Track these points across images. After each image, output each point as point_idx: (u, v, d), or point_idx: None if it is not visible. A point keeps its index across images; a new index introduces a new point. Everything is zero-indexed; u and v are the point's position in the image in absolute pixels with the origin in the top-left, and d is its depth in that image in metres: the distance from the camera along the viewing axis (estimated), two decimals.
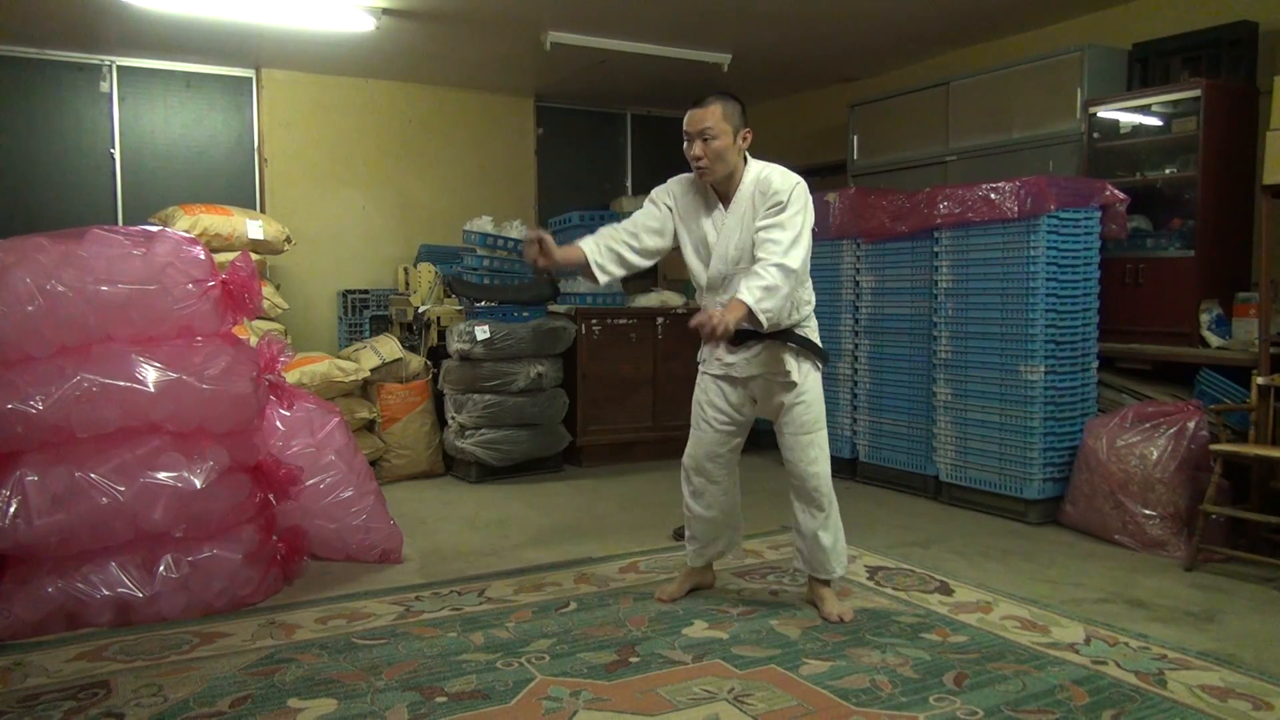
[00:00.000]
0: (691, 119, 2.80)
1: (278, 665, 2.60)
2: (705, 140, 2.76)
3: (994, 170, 4.90)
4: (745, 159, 2.87)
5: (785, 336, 2.87)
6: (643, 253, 2.94)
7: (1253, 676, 2.49)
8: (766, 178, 2.80)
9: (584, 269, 2.90)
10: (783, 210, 2.74)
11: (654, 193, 3.00)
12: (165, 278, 2.98)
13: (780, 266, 2.66)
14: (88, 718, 2.30)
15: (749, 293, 2.62)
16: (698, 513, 3.10)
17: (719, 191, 2.89)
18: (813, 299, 2.94)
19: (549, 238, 2.79)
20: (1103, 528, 3.84)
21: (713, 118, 2.76)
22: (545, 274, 2.91)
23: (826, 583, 3.03)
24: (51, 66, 5.70)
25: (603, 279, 2.91)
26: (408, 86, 6.56)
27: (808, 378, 2.91)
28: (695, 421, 3.06)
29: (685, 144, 2.82)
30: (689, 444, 3.08)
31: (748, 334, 2.83)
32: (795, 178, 2.81)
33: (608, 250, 2.90)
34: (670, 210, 2.96)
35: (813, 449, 2.93)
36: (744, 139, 2.82)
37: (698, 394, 3.06)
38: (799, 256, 2.71)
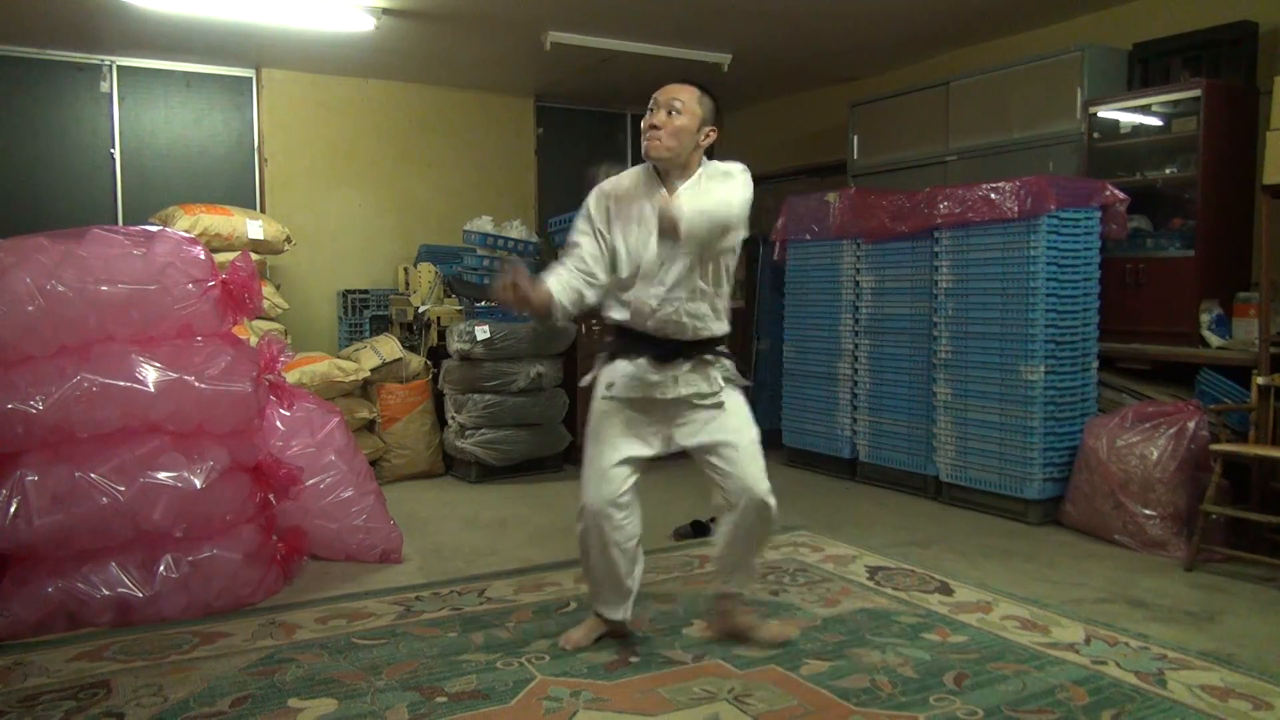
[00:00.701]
0: (665, 89, 2.60)
1: (278, 665, 2.60)
2: (670, 112, 2.56)
3: (994, 170, 4.90)
4: (702, 160, 2.65)
5: (710, 351, 2.66)
6: (599, 288, 2.66)
7: (1253, 676, 2.49)
8: (715, 164, 2.64)
9: (546, 308, 2.60)
10: (730, 179, 2.57)
11: (583, 210, 2.69)
12: (165, 278, 2.98)
13: (714, 201, 2.49)
14: (88, 718, 2.30)
15: (687, 204, 2.45)
16: (616, 554, 2.66)
17: (662, 177, 2.64)
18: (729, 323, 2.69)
19: (522, 271, 2.54)
20: (1103, 528, 3.84)
21: (687, 94, 2.58)
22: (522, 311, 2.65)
23: (732, 609, 2.78)
24: (51, 66, 5.70)
25: (562, 322, 2.66)
26: (408, 86, 6.56)
27: (733, 395, 2.67)
28: (598, 456, 2.64)
29: (648, 113, 2.60)
30: (590, 487, 2.63)
31: (673, 352, 2.61)
32: (742, 165, 2.62)
33: (570, 289, 2.62)
34: (606, 214, 2.66)
35: (756, 464, 2.64)
36: (707, 135, 2.61)
37: (601, 426, 2.66)
38: (723, 212, 2.48)
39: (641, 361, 2.63)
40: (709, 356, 2.65)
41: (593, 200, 2.68)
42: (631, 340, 2.67)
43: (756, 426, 2.70)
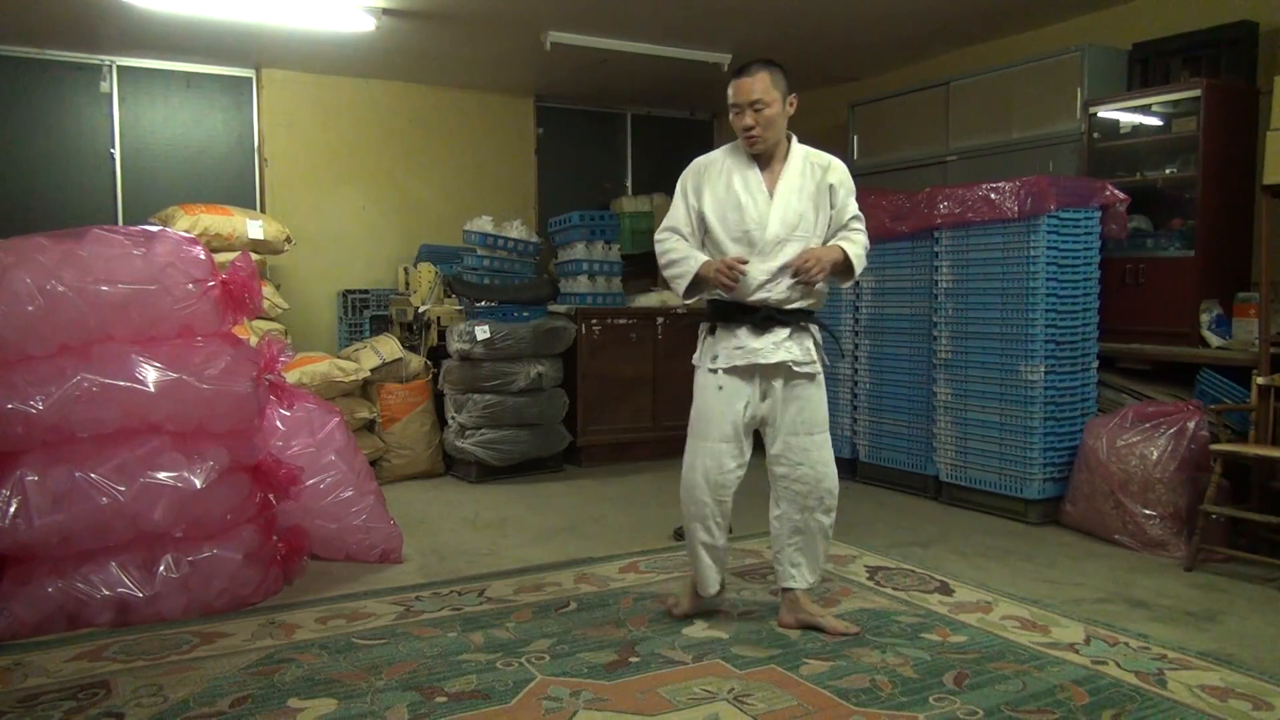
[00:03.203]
0: (740, 90, 2.72)
1: (278, 665, 2.60)
2: (756, 110, 2.71)
3: (994, 170, 4.90)
4: (790, 134, 2.85)
5: (811, 320, 2.81)
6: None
7: (1253, 676, 2.49)
8: (819, 153, 2.86)
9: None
10: (851, 196, 2.85)
11: (684, 188, 2.87)
12: (165, 278, 2.98)
13: (864, 236, 2.83)
14: (88, 718, 2.30)
15: (851, 244, 2.76)
16: (712, 541, 2.86)
17: (758, 159, 2.81)
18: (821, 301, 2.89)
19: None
20: (1103, 528, 3.84)
21: (761, 86, 2.71)
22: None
23: (799, 600, 2.87)
24: (51, 66, 5.70)
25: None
26: (408, 86, 6.56)
27: (821, 372, 2.83)
28: (705, 433, 2.80)
29: (733, 114, 2.75)
30: (699, 460, 2.80)
31: (773, 319, 2.74)
32: (842, 165, 2.89)
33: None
34: (697, 195, 2.84)
35: (826, 449, 2.82)
36: (791, 105, 2.80)
37: (705, 400, 2.81)
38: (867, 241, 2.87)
39: (742, 331, 2.76)
40: (804, 325, 2.80)
41: (682, 185, 2.88)
42: (730, 311, 2.79)
43: (826, 406, 2.87)
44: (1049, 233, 4.00)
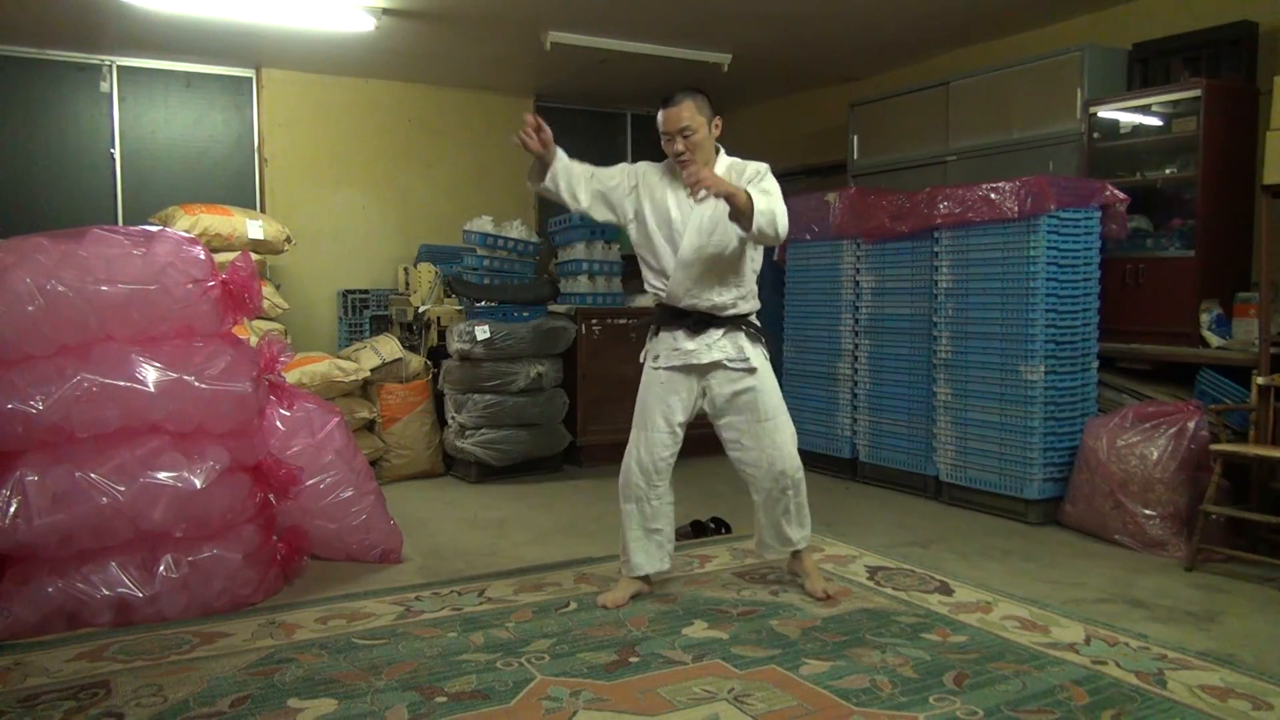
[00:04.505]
0: (668, 120, 2.95)
1: (278, 665, 2.60)
2: (685, 137, 2.93)
3: (994, 170, 4.90)
4: (718, 148, 3.05)
5: (741, 323, 3.02)
6: (588, 196, 3.03)
7: (1253, 676, 2.49)
8: (740, 163, 3.03)
9: (542, 169, 2.97)
10: (764, 179, 2.92)
11: (625, 171, 3.09)
12: (165, 278, 2.98)
13: (780, 206, 2.83)
14: (88, 718, 2.30)
15: (753, 191, 2.78)
16: (645, 521, 3.10)
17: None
18: (758, 301, 3.10)
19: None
20: (1103, 528, 3.84)
21: (688, 115, 2.93)
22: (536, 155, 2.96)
23: (799, 553, 3.19)
24: (51, 66, 5.70)
25: (545, 183, 2.98)
26: (408, 86, 6.57)
27: (763, 364, 3.04)
28: (643, 423, 3.06)
29: (664, 142, 2.98)
30: (635, 449, 3.06)
31: (707, 322, 2.98)
32: (765, 166, 3.00)
33: (576, 173, 3.01)
34: (634, 189, 3.06)
35: (781, 433, 3.05)
36: (716, 127, 3.00)
37: (645, 394, 3.07)
38: (785, 218, 2.85)
39: (679, 333, 3.02)
40: (739, 326, 3.01)
41: (630, 170, 3.09)
42: (669, 314, 3.05)
43: (779, 394, 3.08)
44: (1049, 233, 4.00)
